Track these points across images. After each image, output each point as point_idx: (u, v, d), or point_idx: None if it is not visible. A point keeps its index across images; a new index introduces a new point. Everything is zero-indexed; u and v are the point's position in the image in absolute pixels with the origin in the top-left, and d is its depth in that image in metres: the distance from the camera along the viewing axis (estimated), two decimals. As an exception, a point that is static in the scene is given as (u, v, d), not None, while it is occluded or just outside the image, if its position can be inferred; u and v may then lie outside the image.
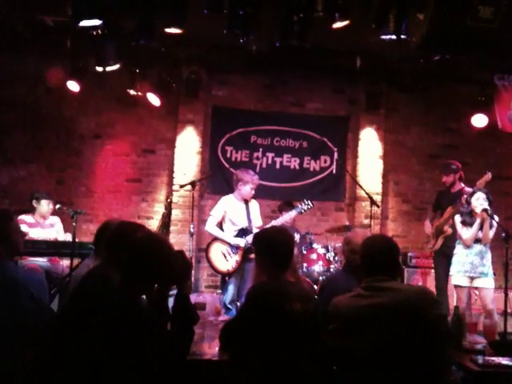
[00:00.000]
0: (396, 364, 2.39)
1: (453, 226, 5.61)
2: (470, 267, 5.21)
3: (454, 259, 5.35)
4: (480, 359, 2.90)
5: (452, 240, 5.71)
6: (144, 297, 2.50)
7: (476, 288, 5.34)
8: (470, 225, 5.26)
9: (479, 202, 5.18)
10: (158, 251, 2.39)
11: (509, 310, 5.89)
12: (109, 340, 2.13)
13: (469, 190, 5.71)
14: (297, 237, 6.54)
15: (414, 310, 2.45)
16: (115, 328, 2.15)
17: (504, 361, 2.92)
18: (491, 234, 5.21)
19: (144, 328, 2.22)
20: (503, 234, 5.20)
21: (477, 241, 5.24)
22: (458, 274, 5.28)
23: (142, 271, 2.34)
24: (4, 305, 2.64)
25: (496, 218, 5.24)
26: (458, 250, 5.35)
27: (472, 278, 5.23)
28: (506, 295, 5.47)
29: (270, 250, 2.81)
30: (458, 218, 5.38)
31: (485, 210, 5.12)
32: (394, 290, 2.51)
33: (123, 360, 2.12)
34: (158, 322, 2.40)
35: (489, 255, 5.25)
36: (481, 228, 5.20)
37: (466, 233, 5.27)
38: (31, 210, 6.14)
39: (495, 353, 3.08)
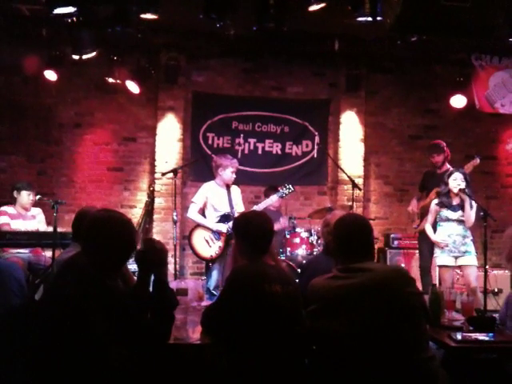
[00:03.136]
0: (373, 343, 2.41)
1: None
2: (454, 247, 5.28)
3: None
4: (458, 335, 2.95)
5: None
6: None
7: (459, 267, 5.39)
8: (448, 206, 5.31)
9: (456, 182, 5.23)
10: (114, 230, 2.41)
11: (489, 288, 6.01)
12: (67, 324, 2.14)
13: None
14: (282, 221, 6.57)
15: (388, 289, 2.47)
16: (74, 311, 2.16)
17: (481, 336, 2.97)
18: (473, 214, 5.24)
19: (109, 312, 2.22)
20: (481, 213, 5.28)
21: (458, 221, 5.29)
22: (442, 255, 5.33)
23: (96, 248, 2.37)
24: None
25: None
26: (440, 231, 5.41)
27: (456, 258, 5.30)
28: (486, 273, 5.57)
29: (249, 234, 2.83)
30: (434, 200, 5.43)
31: (462, 190, 5.18)
32: (369, 270, 2.53)
33: (82, 344, 2.13)
34: (132, 307, 2.39)
35: (469, 233, 5.32)
36: (462, 209, 5.25)
37: (429, 228, 5.46)
38: (13, 202, 6.09)
39: (473, 329, 3.12)
